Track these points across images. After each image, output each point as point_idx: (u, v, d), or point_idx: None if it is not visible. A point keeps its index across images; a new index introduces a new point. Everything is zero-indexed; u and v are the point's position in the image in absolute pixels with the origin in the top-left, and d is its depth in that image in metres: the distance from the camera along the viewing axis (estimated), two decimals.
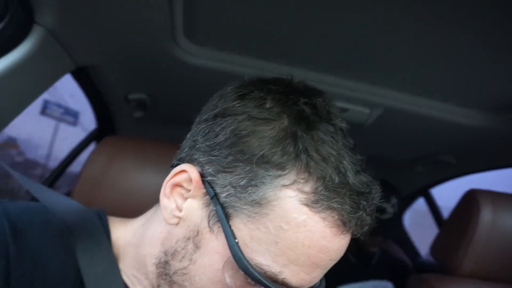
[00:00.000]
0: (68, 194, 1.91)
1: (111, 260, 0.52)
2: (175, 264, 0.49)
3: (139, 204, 0.61)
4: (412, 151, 1.72)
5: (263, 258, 0.43)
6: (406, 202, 2.32)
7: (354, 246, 1.70)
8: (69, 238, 0.51)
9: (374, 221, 0.48)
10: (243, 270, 0.42)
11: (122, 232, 0.58)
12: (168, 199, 0.50)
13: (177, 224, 0.50)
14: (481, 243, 1.02)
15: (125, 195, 0.94)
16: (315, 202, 0.43)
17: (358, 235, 0.47)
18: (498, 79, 0.97)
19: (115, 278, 0.51)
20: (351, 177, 0.44)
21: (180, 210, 0.49)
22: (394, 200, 1.62)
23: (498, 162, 1.58)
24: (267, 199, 0.43)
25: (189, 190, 0.49)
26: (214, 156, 0.47)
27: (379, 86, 1.16)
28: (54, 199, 0.54)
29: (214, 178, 0.46)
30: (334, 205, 0.43)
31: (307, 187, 0.43)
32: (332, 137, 0.46)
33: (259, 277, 0.42)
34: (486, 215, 1.03)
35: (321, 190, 0.43)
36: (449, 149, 1.59)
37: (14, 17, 0.74)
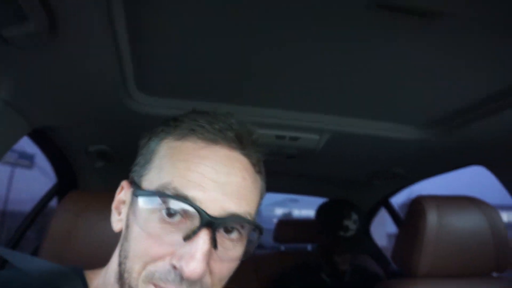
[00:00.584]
0: (35, 249, 1.84)
1: None
2: (121, 258, 0.56)
3: (109, 254, 0.64)
4: (365, 168, 1.85)
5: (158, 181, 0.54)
6: (370, 214, 2.45)
7: (328, 265, 1.76)
8: None
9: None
10: (143, 195, 0.54)
11: (97, 280, 0.63)
12: (113, 214, 0.63)
13: (119, 229, 0.60)
14: (432, 244, 1.12)
15: (94, 246, 0.95)
16: (181, 135, 0.58)
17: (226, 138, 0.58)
18: (428, 97, 1.11)
19: None
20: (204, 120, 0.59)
21: (120, 214, 0.62)
22: (354, 216, 1.68)
23: (439, 168, 1.74)
24: (154, 150, 0.59)
25: (125, 200, 0.61)
26: (136, 165, 0.62)
27: (324, 113, 1.27)
28: (28, 263, 0.58)
29: (132, 174, 0.62)
30: (198, 130, 0.57)
31: (175, 133, 0.59)
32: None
33: (149, 192, 0.54)
34: (432, 218, 1.14)
35: (184, 128, 0.58)
36: (397, 162, 1.73)
37: None
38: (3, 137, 0.90)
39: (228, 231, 0.54)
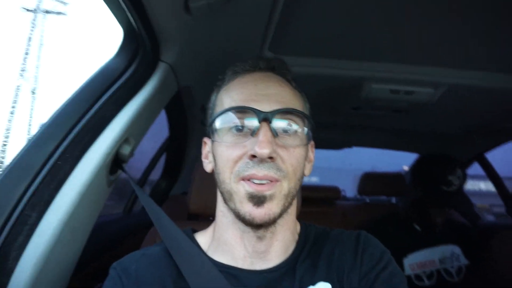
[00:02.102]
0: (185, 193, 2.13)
1: (199, 256, 0.69)
2: (218, 183, 0.69)
3: None
4: (472, 122, 1.79)
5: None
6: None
7: (420, 218, 1.80)
8: (162, 257, 0.70)
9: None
10: (213, 121, 0.68)
11: (202, 236, 0.78)
12: (204, 163, 0.77)
13: (211, 169, 0.74)
14: None
15: None
16: (228, 81, 0.74)
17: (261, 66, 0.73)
18: None
19: (206, 264, 0.68)
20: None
21: (207, 158, 0.76)
22: (459, 172, 1.66)
23: None
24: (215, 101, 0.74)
25: (208, 150, 0.76)
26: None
27: (440, 66, 1.25)
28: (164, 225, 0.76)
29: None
30: (237, 70, 0.73)
31: (224, 83, 0.75)
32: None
33: (216, 114, 0.68)
34: None
35: (229, 76, 0.74)
36: (509, 116, 1.65)
37: (144, 57, 0.90)
38: (162, 95, 1.03)
39: (283, 129, 0.67)
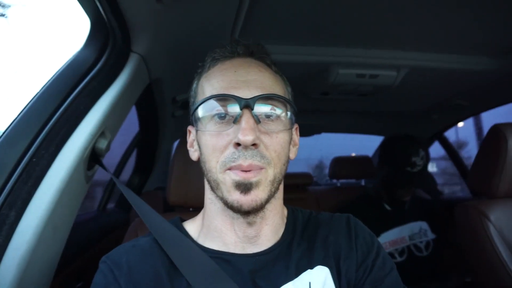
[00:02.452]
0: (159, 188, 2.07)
1: (188, 244, 0.70)
2: (205, 171, 0.70)
3: None
4: (429, 101, 1.90)
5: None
6: None
7: (389, 197, 1.90)
8: (153, 247, 0.70)
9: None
10: (194, 110, 0.68)
11: (190, 224, 0.78)
12: (190, 151, 0.77)
13: (197, 157, 0.74)
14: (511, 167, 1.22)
15: None
16: (208, 68, 0.73)
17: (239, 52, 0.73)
18: (499, 26, 1.13)
19: (196, 251, 0.69)
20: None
21: (193, 147, 0.76)
22: (422, 153, 1.73)
23: (504, 99, 1.77)
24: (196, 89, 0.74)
25: (194, 138, 0.75)
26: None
27: (403, 49, 1.32)
28: (150, 216, 0.76)
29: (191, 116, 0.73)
30: (216, 56, 0.73)
31: (204, 70, 0.74)
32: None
33: (197, 103, 0.67)
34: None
35: (208, 62, 0.74)
36: (462, 94, 1.78)
37: (115, 48, 0.88)
38: (134, 87, 1.01)
39: (266, 114, 0.67)
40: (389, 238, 1.81)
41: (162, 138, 2.00)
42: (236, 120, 0.64)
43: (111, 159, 1.96)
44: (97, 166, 0.91)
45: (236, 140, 0.62)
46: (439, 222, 1.90)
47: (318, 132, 2.64)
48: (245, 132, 0.61)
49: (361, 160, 2.47)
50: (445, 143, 2.40)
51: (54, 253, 0.78)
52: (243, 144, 0.62)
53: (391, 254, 1.77)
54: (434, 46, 1.30)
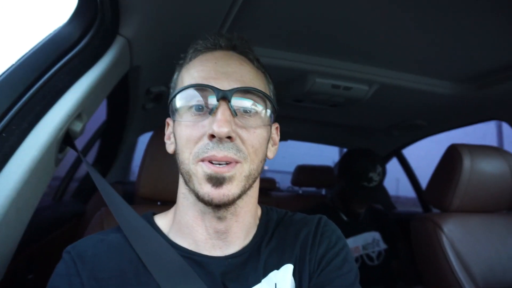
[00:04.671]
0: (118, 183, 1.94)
1: (158, 240, 0.68)
2: (178, 163, 0.68)
3: None
4: (391, 118, 2.01)
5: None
6: None
7: (345, 208, 1.95)
8: (122, 244, 0.68)
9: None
10: (171, 100, 0.67)
11: (162, 219, 0.76)
12: (167, 144, 0.75)
13: (172, 150, 0.71)
14: (465, 184, 1.32)
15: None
16: (190, 60, 0.72)
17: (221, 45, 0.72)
18: (465, 55, 1.24)
19: (166, 248, 0.67)
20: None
21: (170, 139, 0.73)
22: (379, 169, 1.80)
23: (461, 121, 1.92)
24: (176, 80, 0.73)
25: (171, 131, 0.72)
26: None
27: (376, 66, 1.39)
28: (118, 206, 0.74)
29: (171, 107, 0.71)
30: (198, 47, 0.72)
31: (186, 61, 0.73)
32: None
33: (174, 92, 0.67)
34: (467, 162, 1.33)
35: (190, 54, 0.72)
36: (421, 114, 1.91)
37: (101, 27, 0.85)
38: (115, 71, 0.97)
39: (244, 109, 0.66)
40: None
41: (128, 130, 1.93)
42: (212, 111, 0.62)
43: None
44: (67, 149, 0.86)
45: (210, 132, 0.61)
46: (390, 233, 1.99)
47: (285, 139, 2.69)
48: (220, 124, 0.60)
49: (323, 170, 2.54)
50: (402, 160, 2.54)
51: (14, 236, 0.73)
52: (218, 136, 0.60)
53: None
54: (404, 66, 1.39)
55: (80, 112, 0.82)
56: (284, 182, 3.31)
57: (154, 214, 0.78)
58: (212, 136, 0.61)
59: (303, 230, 0.75)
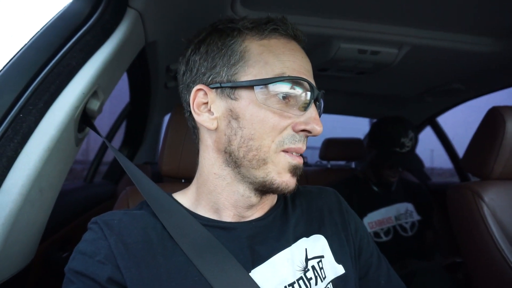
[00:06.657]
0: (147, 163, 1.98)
1: (182, 212, 0.69)
2: (235, 145, 0.64)
3: None
4: (424, 83, 1.89)
5: (268, 72, 0.63)
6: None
7: (376, 179, 1.90)
8: (146, 216, 0.68)
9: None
10: (269, 83, 0.62)
11: (181, 196, 0.75)
12: (201, 116, 0.67)
13: (216, 127, 0.66)
14: (508, 149, 1.22)
15: None
16: (263, 34, 0.66)
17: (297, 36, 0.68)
18: (506, 5, 1.11)
19: (190, 219, 0.67)
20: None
21: (212, 114, 0.66)
22: (411, 134, 1.75)
23: (503, 83, 1.77)
24: (241, 50, 0.65)
25: (206, 102, 0.66)
26: (216, 67, 0.66)
27: (405, 25, 1.28)
28: (143, 182, 0.73)
29: (214, 77, 0.65)
30: (276, 28, 0.66)
31: (255, 33, 0.66)
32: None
33: (278, 78, 0.62)
34: (510, 125, 1.22)
35: (264, 29, 0.66)
36: (458, 77, 1.77)
37: (110, 2, 0.82)
38: (129, 47, 0.95)
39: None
40: (375, 218, 1.84)
41: (153, 111, 1.94)
42: (308, 107, 0.64)
43: (100, 129, 1.89)
44: (87, 129, 0.86)
45: (309, 128, 0.63)
46: (424, 204, 1.92)
47: None
48: (319, 123, 0.63)
49: (352, 142, 2.46)
50: (437, 128, 2.41)
51: (41, 216, 0.74)
52: (314, 134, 0.64)
53: (377, 234, 1.81)
54: (437, 24, 1.27)
55: (96, 89, 0.80)
56: (313, 158, 3.25)
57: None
58: (303, 131, 0.64)
59: (325, 205, 0.79)
